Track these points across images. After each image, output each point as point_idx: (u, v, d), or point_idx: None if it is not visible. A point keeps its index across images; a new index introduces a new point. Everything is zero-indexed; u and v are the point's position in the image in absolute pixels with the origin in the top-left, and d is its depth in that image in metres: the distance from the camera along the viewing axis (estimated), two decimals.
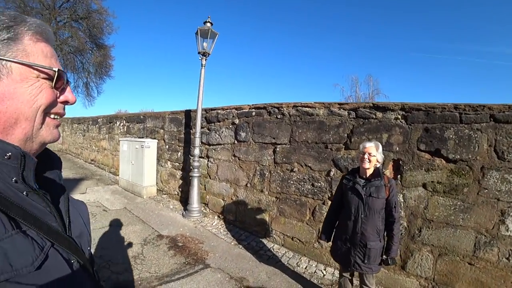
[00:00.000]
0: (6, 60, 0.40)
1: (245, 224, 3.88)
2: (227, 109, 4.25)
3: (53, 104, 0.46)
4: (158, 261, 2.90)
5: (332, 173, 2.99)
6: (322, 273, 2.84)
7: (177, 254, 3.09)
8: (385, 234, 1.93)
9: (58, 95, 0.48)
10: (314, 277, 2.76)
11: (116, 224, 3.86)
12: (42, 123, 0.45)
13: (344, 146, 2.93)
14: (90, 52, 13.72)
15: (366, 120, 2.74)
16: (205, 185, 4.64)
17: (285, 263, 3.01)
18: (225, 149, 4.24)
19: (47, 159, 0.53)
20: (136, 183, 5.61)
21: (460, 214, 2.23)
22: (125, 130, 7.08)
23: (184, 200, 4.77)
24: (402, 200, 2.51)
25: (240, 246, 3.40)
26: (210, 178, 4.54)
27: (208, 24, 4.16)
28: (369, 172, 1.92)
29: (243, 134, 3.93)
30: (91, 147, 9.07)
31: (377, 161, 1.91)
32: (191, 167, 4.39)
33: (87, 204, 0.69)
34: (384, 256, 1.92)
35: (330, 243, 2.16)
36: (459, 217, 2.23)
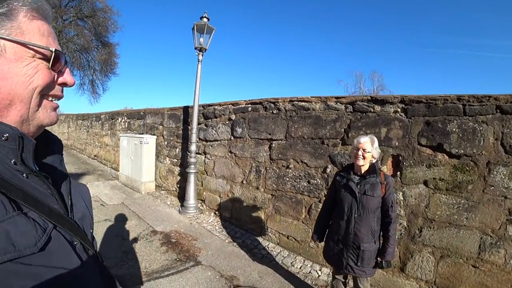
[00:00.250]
0: (0, 38, 0.38)
1: (240, 222, 3.80)
2: (224, 105, 4.17)
3: (50, 85, 0.44)
4: (149, 257, 2.85)
5: (328, 170, 2.87)
6: (317, 273, 2.73)
7: (169, 250, 3.03)
8: (380, 236, 1.80)
9: (56, 76, 0.46)
10: (308, 277, 2.66)
11: (111, 219, 3.85)
12: (39, 105, 0.43)
13: (341, 142, 2.80)
14: (96, 50, 13.93)
15: (364, 114, 2.61)
16: (202, 182, 4.59)
17: (279, 262, 2.91)
18: (222, 145, 4.17)
19: (48, 142, 0.52)
20: (135, 179, 5.61)
21: (464, 213, 2.08)
22: (126, 126, 7.12)
23: (182, 196, 4.73)
24: (402, 198, 2.37)
25: (235, 243, 3.32)
26: (207, 175, 4.48)
27: (205, 20, 4.09)
28: (364, 169, 1.79)
29: (239, 130, 3.85)
30: (94, 143, 9.19)
31: (373, 157, 1.77)
32: (188, 163, 4.35)
33: None
34: (378, 258, 1.78)
35: (323, 243, 2.05)
36: (463, 216, 2.08)
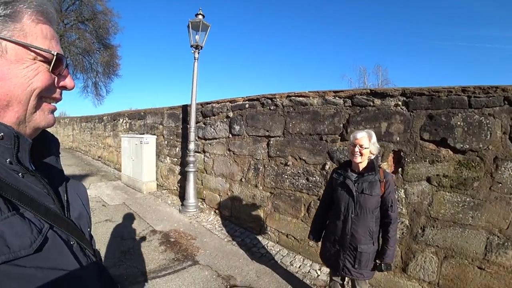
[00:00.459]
0: (2, 39, 0.38)
1: (240, 220, 3.76)
2: (221, 103, 4.11)
3: (49, 88, 0.44)
4: (147, 257, 2.84)
5: (327, 167, 2.78)
6: (316, 273, 2.66)
7: (167, 250, 3.02)
8: (380, 237, 1.71)
9: (56, 79, 0.45)
10: (307, 277, 2.59)
11: (112, 219, 3.87)
12: (36, 107, 0.43)
13: (340, 137, 2.70)
14: (98, 52, 14.04)
15: (363, 108, 2.50)
16: (202, 180, 4.56)
17: (278, 261, 2.86)
18: (220, 143, 4.12)
19: (44, 141, 0.52)
20: (137, 179, 5.64)
21: (469, 211, 1.96)
22: (127, 127, 7.15)
23: (183, 195, 4.72)
24: (404, 196, 2.27)
25: (234, 242, 3.29)
26: (207, 173, 4.45)
27: (200, 16, 4.01)
28: (362, 166, 1.69)
29: (237, 128, 3.79)
30: (97, 144, 9.30)
31: (371, 153, 1.67)
32: (187, 162, 4.32)
33: None
34: (377, 261, 1.69)
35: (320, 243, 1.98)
36: (468, 215, 1.97)
